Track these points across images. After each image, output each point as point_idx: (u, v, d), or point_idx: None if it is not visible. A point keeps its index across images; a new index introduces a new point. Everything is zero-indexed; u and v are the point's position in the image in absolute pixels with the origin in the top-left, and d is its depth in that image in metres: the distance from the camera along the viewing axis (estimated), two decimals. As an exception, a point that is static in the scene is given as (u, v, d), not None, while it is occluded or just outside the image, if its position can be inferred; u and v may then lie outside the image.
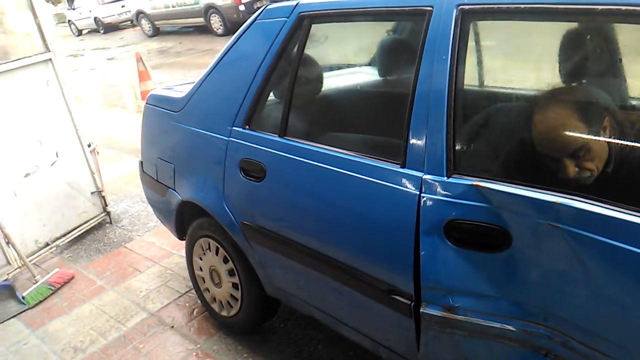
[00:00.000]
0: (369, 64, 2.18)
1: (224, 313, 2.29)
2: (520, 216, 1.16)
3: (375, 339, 1.62)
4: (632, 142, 1.27)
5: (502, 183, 1.19)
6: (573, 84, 1.47)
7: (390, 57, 1.94)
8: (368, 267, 1.50)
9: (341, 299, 1.66)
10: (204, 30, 12.36)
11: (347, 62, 2.32)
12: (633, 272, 1.02)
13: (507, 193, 1.17)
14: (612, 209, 1.03)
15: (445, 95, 1.30)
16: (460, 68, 1.32)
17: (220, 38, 11.24)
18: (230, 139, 1.92)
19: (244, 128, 1.89)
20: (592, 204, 1.06)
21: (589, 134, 1.24)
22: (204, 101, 2.12)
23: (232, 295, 2.21)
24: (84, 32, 18.73)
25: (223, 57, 2.04)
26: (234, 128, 1.92)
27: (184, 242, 2.45)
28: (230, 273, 2.16)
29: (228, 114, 1.95)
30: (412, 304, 1.38)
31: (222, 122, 1.97)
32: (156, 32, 14.11)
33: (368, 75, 2.12)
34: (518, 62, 1.63)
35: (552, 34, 1.46)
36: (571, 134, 1.25)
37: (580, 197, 1.09)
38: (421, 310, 1.36)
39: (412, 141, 1.37)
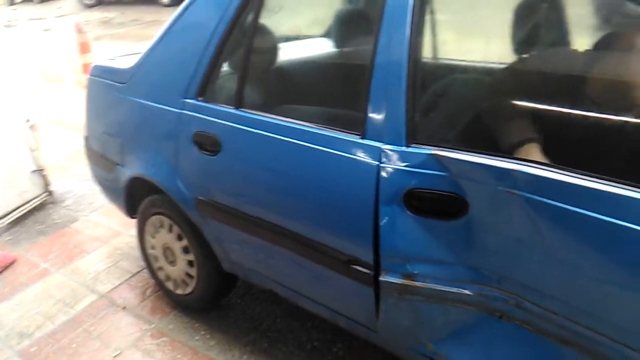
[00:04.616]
0: (326, 35, 2.15)
1: (180, 291, 2.24)
2: (478, 184, 1.19)
3: (335, 309, 1.64)
4: None
5: (461, 152, 1.21)
6: (525, 55, 1.51)
7: (348, 27, 1.92)
8: (327, 239, 1.50)
9: (300, 272, 1.66)
10: (149, 0, 11.83)
11: (303, 32, 2.27)
12: (584, 234, 1.07)
13: (466, 161, 1.19)
14: (565, 174, 1.07)
15: (405, 66, 1.30)
16: (419, 39, 1.32)
17: (166, 9, 10.79)
18: (183, 111, 1.85)
19: (197, 99, 1.82)
20: (547, 170, 1.09)
21: None
22: (152, 72, 2.02)
23: (187, 273, 2.16)
24: (16, 0, 17.43)
25: (173, 24, 1.95)
26: (186, 100, 1.84)
27: (134, 220, 2.37)
28: (185, 250, 2.11)
29: (179, 85, 1.87)
30: (372, 272, 1.40)
31: (173, 93, 1.89)
32: (97, 2, 13.39)
33: (325, 46, 2.08)
34: (476, 34, 1.65)
35: (508, 5, 1.48)
36: None
37: (536, 163, 1.12)
38: (380, 278, 1.38)
39: (372, 112, 1.36)
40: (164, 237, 2.19)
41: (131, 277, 2.57)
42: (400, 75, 1.31)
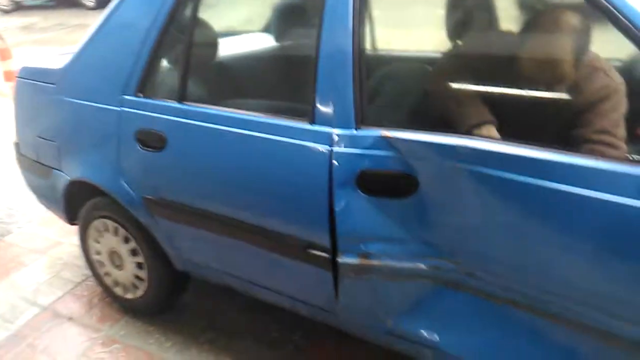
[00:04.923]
0: (265, 29, 2.15)
1: (130, 295, 2.17)
2: (426, 161, 1.24)
3: (294, 296, 1.65)
4: None
5: (408, 131, 1.26)
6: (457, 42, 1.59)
7: (288, 20, 1.93)
8: (283, 226, 1.51)
9: (257, 262, 1.66)
10: (73, 3, 11.29)
11: (242, 27, 2.26)
12: (521, 199, 1.14)
13: (413, 140, 1.24)
14: (504, 145, 1.15)
15: (350, 52, 1.33)
16: (363, 27, 1.36)
17: (91, 12, 10.34)
18: (122, 109, 1.79)
19: (137, 96, 1.77)
20: (487, 143, 1.17)
21: None
22: (87, 71, 1.94)
23: (136, 275, 2.09)
24: None
25: (106, 22, 1.88)
26: (125, 97, 1.79)
27: (74, 228, 2.26)
28: (133, 253, 2.05)
29: (117, 82, 1.81)
30: (329, 255, 1.42)
31: (110, 91, 1.83)
32: (16, 7, 12.67)
33: (266, 40, 2.09)
34: (412, 25, 1.72)
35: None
36: None
37: (476, 137, 1.19)
38: (337, 259, 1.40)
39: (320, 98, 1.38)
40: (110, 240, 2.11)
41: (75, 286, 2.46)
42: (346, 62, 1.34)
